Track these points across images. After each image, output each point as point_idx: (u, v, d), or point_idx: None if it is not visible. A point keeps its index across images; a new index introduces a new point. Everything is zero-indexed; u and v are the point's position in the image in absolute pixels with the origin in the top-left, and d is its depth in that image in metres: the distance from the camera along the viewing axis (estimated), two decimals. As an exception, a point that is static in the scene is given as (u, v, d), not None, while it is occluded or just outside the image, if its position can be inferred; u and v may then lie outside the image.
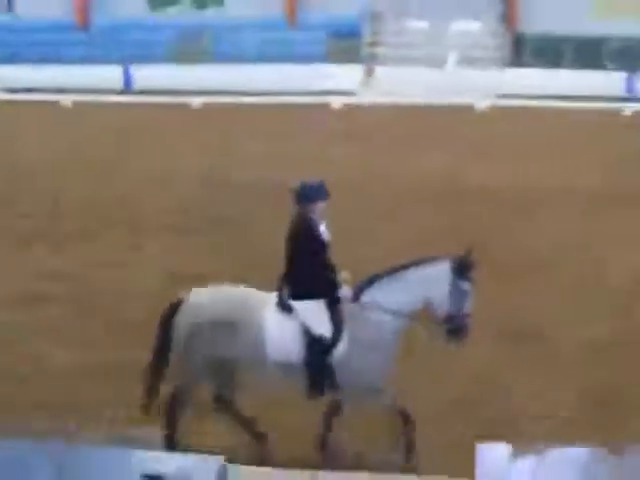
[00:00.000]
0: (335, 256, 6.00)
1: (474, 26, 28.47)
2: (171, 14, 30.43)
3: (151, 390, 6.10)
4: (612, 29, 26.45)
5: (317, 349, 5.84)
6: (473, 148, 17.70)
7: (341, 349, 5.82)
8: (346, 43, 27.73)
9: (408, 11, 27.78)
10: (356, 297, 5.85)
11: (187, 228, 11.71)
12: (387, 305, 5.80)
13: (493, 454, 4.81)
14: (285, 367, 5.90)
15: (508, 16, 28.99)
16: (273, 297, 5.98)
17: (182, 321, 5.98)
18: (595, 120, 21.81)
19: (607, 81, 25.86)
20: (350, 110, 23.47)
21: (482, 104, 24.30)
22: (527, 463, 4.70)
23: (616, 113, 23.68)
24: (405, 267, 5.88)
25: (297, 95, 24.72)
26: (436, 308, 5.83)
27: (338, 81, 25.82)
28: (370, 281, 5.92)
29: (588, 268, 9.97)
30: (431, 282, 5.80)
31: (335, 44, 27.91)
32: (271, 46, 28.14)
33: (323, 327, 5.88)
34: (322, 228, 5.89)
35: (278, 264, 6.03)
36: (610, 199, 13.35)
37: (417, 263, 5.85)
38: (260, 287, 6.07)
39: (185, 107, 23.81)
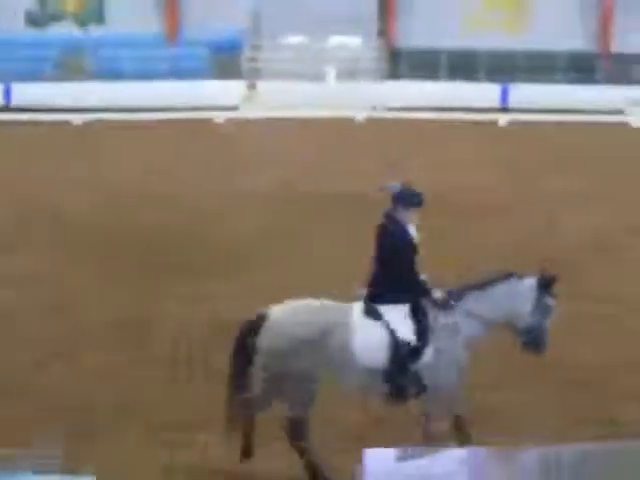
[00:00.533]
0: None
1: (353, 41, 30.62)
2: (53, 31, 31.32)
3: (235, 413, 6.32)
4: (483, 43, 29.09)
5: (403, 354, 6.23)
6: (351, 157, 19.42)
7: (427, 354, 6.20)
8: (228, 59, 29.21)
9: (288, 26, 29.62)
10: (447, 302, 6.28)
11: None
12: (477, 313, 6.31)
13: (379, 457, 5.08)
14: (372, 373, 6.22)
15: (386, 31, 31.30)
16: (354, 306, 6.32)
17: (267, 338, 6.20)
18: (471, 130, 23.99)
19: (481, 93, 28.38)
20: (233, 125, 24.91)
21: (361, 116, 26.26)
22: (415, 465, 5.03)
23: (491, 123, 26.03)
24: (494, 280, 6.38)
25: (180, 111, 25.96)
26: (519, 320, 6.34)
27: (220, 96, 27.29)
28: (461, 290, 6.38)
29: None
30: (519, 296, 6.34)
31: (217, 60, 29.34)
32: (152, 63, 29.25)
33: (409, 332, 6.27)
34: (414, 232, 6.34)
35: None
36: (484, 207, 14.64)
37: (505, 277, 6.37)
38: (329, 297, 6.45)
39: (66, 125, 24.55)
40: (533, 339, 6.35)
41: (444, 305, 6.24)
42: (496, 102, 28.54)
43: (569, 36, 29.03)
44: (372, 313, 6.22)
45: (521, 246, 11.97)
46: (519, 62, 29.24)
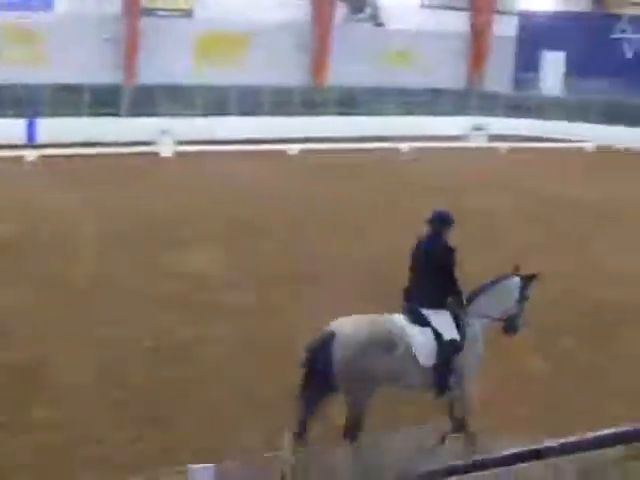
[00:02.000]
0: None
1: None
2: None
3: (306, 421, 8.06)
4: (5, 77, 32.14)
5: (448, 352, 8.20)
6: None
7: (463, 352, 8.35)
8: None
9: None
10: (465, 306, 8.43)
11: None
12: (486, 312, 8.51)
13: (202, 474, 6.24)
14: (426, 371, 8.17)
15: None
16: (401, 316, 8.27)
17: (341, 350, 7.88)
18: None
19: (8, 128, 31.41)
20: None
21: None
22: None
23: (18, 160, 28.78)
24: (493, 282, 8.65)
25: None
26: (509, 312, 8.68)
27: None
28: (473, 294, 8.52)
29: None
30: (510, 293, 8.67)
31: None
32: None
33: (453, 333, 8.22)
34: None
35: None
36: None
37: (499, 279, 8.66)
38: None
39: None
40: (513, 324, 8.77)
41: (465, 308, 8.46)
42: (23, 137, 32.03)
43: (94, 69, 33.76)
44: (420, 319, 8.23)
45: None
46: (44, 95, 32.95)
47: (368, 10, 39.28)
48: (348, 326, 8.03)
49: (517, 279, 8.73)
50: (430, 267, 8.32)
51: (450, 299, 8.38)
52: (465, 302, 8.41)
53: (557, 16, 42.43)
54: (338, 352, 7.87)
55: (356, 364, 7.90)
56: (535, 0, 43.70)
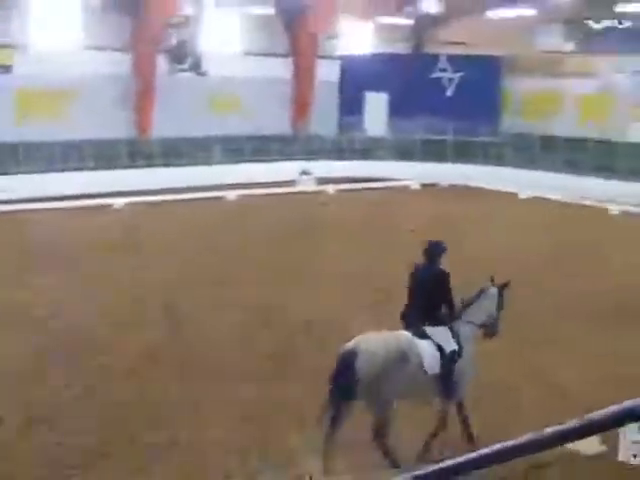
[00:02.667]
0: None
1: None
2: None
3: (332, 435, 9.89)
4: None
5: (450, 362, 10.30)
6: None
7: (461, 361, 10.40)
8: None
9: None
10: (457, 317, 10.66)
11: None
12: (474, 320, 10.75)
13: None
14: (432, 380, 10.25)
15: None
16: (407, 333, 10.33)
17: (365, 364, 9.80)
18: None
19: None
20: None
21: None
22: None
23: None
24: (479, 294, 10.94)
25: None
26: (490, 318, 10.94)
27: None
28: (464, 305, 10.76)
29: None
30: (492, 301, 10.94)
31: None
32: None
33: (452, 345, 10.40)
34: None
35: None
36: None
37: (481, 291, 10.92)
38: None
39: None
40: (493, 328, 11.06)
41: (458, 319, 10.70)
42: None
43: None
44: (423, 335, 10.35)
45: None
46: None
47: (190, 60, 41.59)
48: (368, 343, 10.02)
49: (495, 289, 11.05)
50: (428, 290, 10.58)
51: (445, 314, 10.62)
52: (458, 313, 10.68)
53: (378, 58, 45.90)
54: (361, 367, 9.78)
55: (377, 377, 9.83)
56: (355, 43, 47.24)
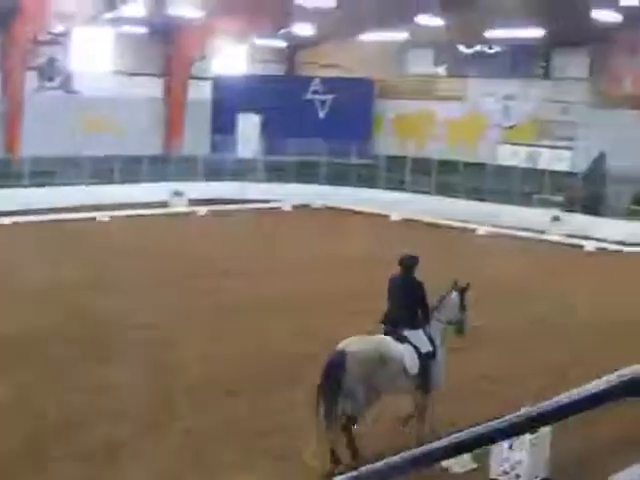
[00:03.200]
0: None
1: None
2: None
3: (333, 423, 11.59)
4: None
5: (426, 361, 12.32)
6: None
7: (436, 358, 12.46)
8: None
9: None
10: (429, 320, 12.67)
11: None
12: (441, 320, 12.83)
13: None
14: (412, 378, 12.20)
15: None
16: (388, 337, 12.29)
17: (353, 364, 11.62)
18: None
19: None
20: None
21: None
22: None
23: None
24: (443, 297, 13.03)
25: None
26: (455, 318, 13.06)
27: None
28: (432, 308, 12.76)
29: None
30: (453, 303, 13.03)
31: None
32: None
33: (427, 346, 12.42)
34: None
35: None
36: None
37: (445, 294, 13.02)
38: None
39: None
40: (461, 327, 13.21)
41: (429, 321, 12.77)
42: None
43: None
44: (402, 338, 12.32)
45: None
46: None
47: (60, 78, 42.59)
48: (354, 346, 11.94)
49: (455, 293, 13.17)
50: (405, 298, 12.58)
51: (420, 318, 12.60)
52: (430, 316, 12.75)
53: (251, 80, 47.82)
54: (350, 366, 11.66)
55: (362, 375, 11.73)
56: (229, 65, 49.09)
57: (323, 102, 48.55)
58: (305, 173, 44.86)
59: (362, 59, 47.57)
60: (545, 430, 11.23)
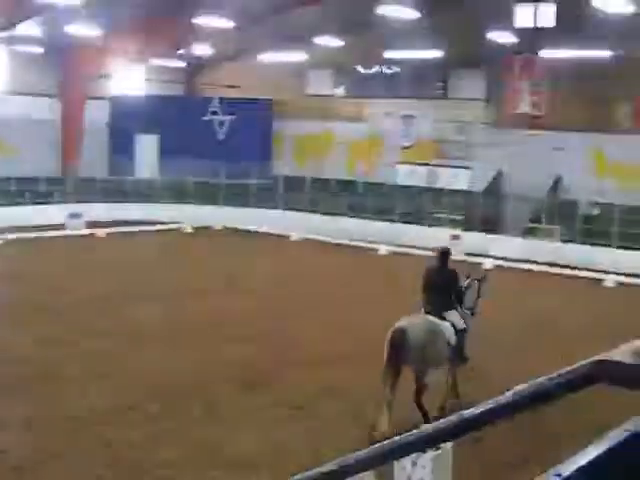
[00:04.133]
0: None
1: None
2: None
3: (392, 394, 13.24)
4: None
5: (460, 336, 14.64)
6: None
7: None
8: None
9: None
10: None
11: None
12: (467, 305, 15.41)
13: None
14: (451, 349, 14.45)
15: None
16: (430, 316, 14.37)
17: (413, 338, 13.63)
18: None
19: None
20: None
21: None
22: None
23: None
24: (467, 286, 15.50)
25: None
26: (474, 304, 15.62)
27: None
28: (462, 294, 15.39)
29: None
30: (474, 291, 15.74)
31: None
32: None
33: (461, 324, 14.72)
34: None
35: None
36: None
37: (467, 285, 15.47)
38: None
39: None
40: (474, 310, 15.70)
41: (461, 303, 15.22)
42: None
43: None
44: (442, 317, 14.52)
45: None
46: None
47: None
48: (410, 323, 13.93)
49: (475, 282, 15.69)
50: (442, 285, 14.84)
51: (454, 301, 15.00)
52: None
53: (150, 100, 47.30)
54: (411, 339, 13.66)
55: (422, 346, 13.78)
56: (127, 85, 48.48)
57: (222, 123, 48.18)
58: (205, 194, 44.41)
59: (261, 80, 47.39)
60: (447, 447, 10.97)
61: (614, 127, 37.87)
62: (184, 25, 40.20)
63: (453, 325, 14.59)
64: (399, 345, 13.60)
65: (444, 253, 15.20)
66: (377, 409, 13.25)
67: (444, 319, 14.56)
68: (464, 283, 15.48)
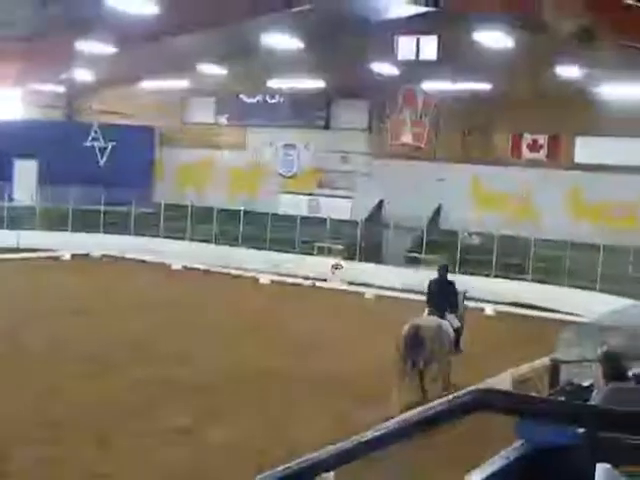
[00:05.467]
0: None
1: None
2: None
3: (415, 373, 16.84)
4: None
5: (457, 333, 18.35)
6: None
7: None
8: None
9: None
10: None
11: None
12: (460, 309, 19.42)
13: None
14: (451, 342, 17.85)
15: None
16: (434, 317, 17.98)
17: (426, 332, 16.84)
18: None
19: None
20: None
21: None
22: None
23: None
24: (462, 297, 19.84)
25: None
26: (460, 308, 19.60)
27: None
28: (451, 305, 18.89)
29: None
30: (461, 299, 19.84)
31: None
32: None
33: (456, 323, 18.45)
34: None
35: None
36: None
37: (462, 296, 20.18)
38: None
39: None
40: (462, 317, 19.50)
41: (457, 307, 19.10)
42: None
43: None
44: (443, 317, 18.00)
45: None
46: None
47: None
48: (424, 321, 17.55)
49: (462, 292, 19.76)
50: (443, 292, 18.65)
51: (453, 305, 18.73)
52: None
53: (28, 125, 46.05)
54: (424, 334, 16.81)
55: (431, 338, 16.92)
56: (4, 109, 47.16)
57: (103, 149, 47.22)
58: (84, 221, 43.35)
59: (143, 106, 46.69)
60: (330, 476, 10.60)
61: (493, 158, 38.37)
62: (64, 49, 39.20)
63: (451, 324, 18.15)
64: (414, 338, 16.69)
65: (442, 268, 19.32)
66: (396, 391, 16.13)
67: (445, 318, 18.10)
68: (461, 294, 19.58)
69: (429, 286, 19.14)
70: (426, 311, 18.53)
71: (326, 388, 18.19)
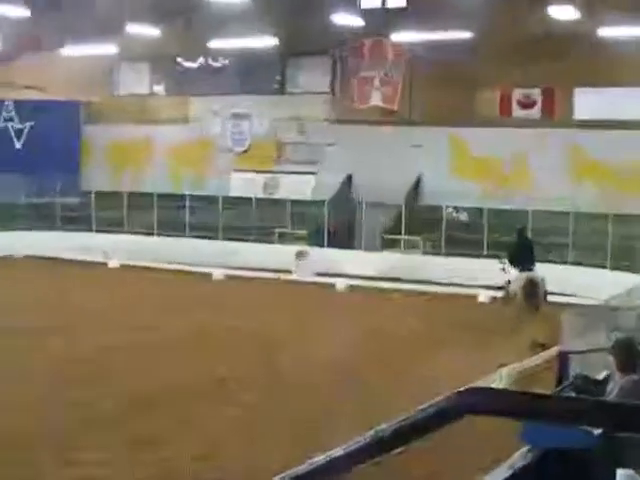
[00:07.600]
0: None
1: None
2: None
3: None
4: None
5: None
6: None
7: None
8: None
9: None
10: None
11: None
12: None
13: None
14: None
15: None
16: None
17: (542, 285, 24.18)
18: None
19: None
20: None
21: None
22: None
23: None
24: None
25: None
26: None
27: None
28: None
29: None
30: None
31: None
32: None
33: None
34: None
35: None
36: None
37: None
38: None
39: None
40: None
41: None
42: None
43: None
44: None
45: None
46: None
47: None
48: (538, 276, 24.34)
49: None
50: (531, 250, 25.14)
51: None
52: None
53: None
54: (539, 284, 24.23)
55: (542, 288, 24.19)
56: None
57: (20, 130, 46.15)
58: (2, 216, 42.28)
59: (65, 78, 45.41)
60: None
61: (478, 119, 37.75)
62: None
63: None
64: (532, 286, 23.07)
65: (523, 229, 27.62)
66: None
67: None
68: None
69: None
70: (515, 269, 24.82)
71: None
